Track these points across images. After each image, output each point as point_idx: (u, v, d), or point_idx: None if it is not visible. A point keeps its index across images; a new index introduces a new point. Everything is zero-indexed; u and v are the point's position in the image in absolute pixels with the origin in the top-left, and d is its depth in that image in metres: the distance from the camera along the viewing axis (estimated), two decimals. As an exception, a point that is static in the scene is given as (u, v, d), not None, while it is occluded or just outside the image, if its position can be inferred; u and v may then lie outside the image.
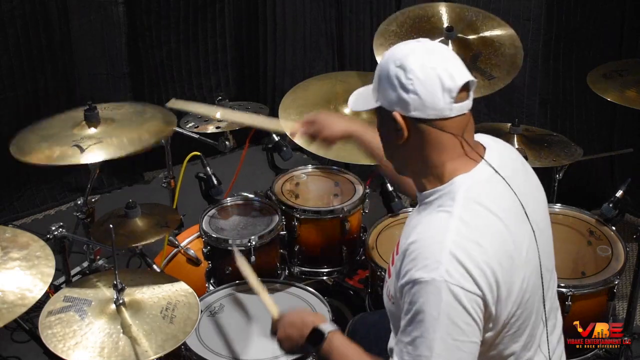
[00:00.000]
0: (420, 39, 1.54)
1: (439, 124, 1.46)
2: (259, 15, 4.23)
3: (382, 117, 1.53)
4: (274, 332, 1.76)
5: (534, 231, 1.51)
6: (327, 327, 1.64)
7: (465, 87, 1.47)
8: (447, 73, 1.44)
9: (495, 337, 1.48)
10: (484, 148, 1.56)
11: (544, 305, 1.56)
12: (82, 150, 2.18)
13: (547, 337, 1.59)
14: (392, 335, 1.66)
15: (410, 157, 1.53)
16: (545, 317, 1.57)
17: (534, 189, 1.62)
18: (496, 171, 1.50)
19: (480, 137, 1.60)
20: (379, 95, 1.51)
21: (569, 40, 3.20)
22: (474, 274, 1.39)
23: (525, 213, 1.50)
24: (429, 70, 1.44)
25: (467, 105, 1.48)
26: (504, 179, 1.50)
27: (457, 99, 1.45)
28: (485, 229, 1.43)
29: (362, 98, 1.60)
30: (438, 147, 1.49)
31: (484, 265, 1.40)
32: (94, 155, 2.18)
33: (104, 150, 2.20)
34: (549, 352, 1.60)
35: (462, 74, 1.46)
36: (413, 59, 1.45)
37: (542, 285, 1.54)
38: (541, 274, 1.53)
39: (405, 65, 1.45)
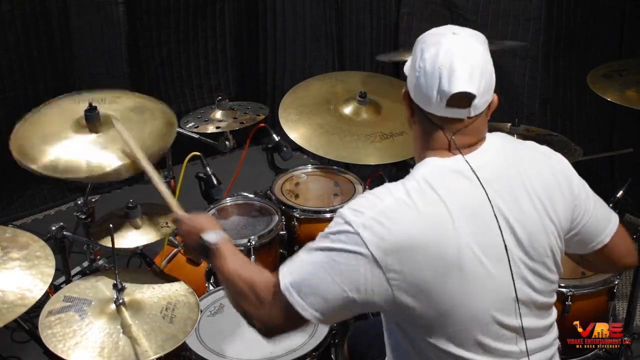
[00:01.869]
0: (461, 31, 1.51)
1: (431, 117, 1.49)
2: (259, 15, 4.23)
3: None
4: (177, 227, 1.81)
5: (504, 242, 1.47)
6: (213, 236, 1.67)
7: (465, 98, 1.45)
8: (448, 76, 1.44)
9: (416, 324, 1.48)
10: (483, 143, 1.55)
11: (521, 320, 1.52)
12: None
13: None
14: (385, 333, 1.66)
15: (413, 132, 1.58)
16: (524, 333, 1.53)
17: (532, 208, 1.53)
18: (470, 166, 1.48)
19: (494, 137, 1.58)
20: (407, 65, 1.57)
21: (569, 40, 3.20)
22: (385, 240, 1.40)
23: (497, 221, 1.47)
24: (435, 66, 1.45)
25: (464, 112, 1.47)
26: (475, 173, 1.48)
27: (450, 104, 1.45)
28: (424, 209, 1.43)
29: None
30: (426, 136, 1.52)
31: (400, 240, 1.40)
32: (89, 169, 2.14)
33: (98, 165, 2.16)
34: None
35: (462, 83, 1.44)
36: (432, 49, 1.47)
37: (517, 298, 1.50)
38: (514, 289, 1.49)
39: (424, 52, 1.48)
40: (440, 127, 1.50)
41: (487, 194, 1.47)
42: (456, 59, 1.45)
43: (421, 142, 1.55)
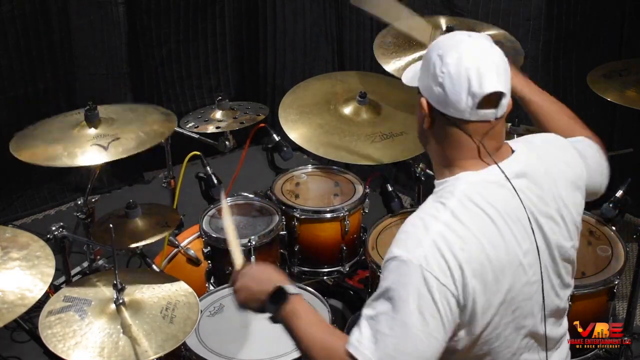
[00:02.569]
0: (473, 34, 1.50)
1: (459, 123, 1.46)
2: (259, 15, 4.23)
3: (419, 100, 1.53)
4: (233, 281, 1.61)
5: (537, 248, 1.48)
6: (292, 289, 1.53)
7: (495, 96, 1.44)
8: (478, 77, 1.42)
9: (468, 348, 1.46)
10: (512, 151, 1.54)
11: (545, 324, 1.53)
12: (105, 148, 2.20)
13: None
14: None
15: (432, 144, 1.54)
16: (546, 338, 1.55)
17: (562, 213, 1.54)
18: (505, 175, 1.47)
19: (516, 144, 1.57)
20: (420, 76, 1.52)
21: (569, 40, 3.20)
22: (451, 268, 1.36)
23: (532, 227, 1.47)
24: (462, 69, 1.42)
25: (492, 113, 1.45)
26: (510, 182, 1.47)
27: (481, 106, 1.43)
28: (474, 227, 1.41)
29: (412, 73, 1.59)
30: (454, 144, 1.49)
31: (465, 263, 1.37)
32: (117, 151, 2.21)
33: (124, 147, 2.23)
34: None
35: (492, 83, 1.42)
36: (454, 53, 1.44)
37: (543, 305, 1.51)
38: (542, 294, 1.50)
39: (444, 57, 1.44)
40: (467, 133, 1.46)
41: (522, 202, 1.47)
42: (482, 59, 1.44)
43: (447, 153, 1.50)
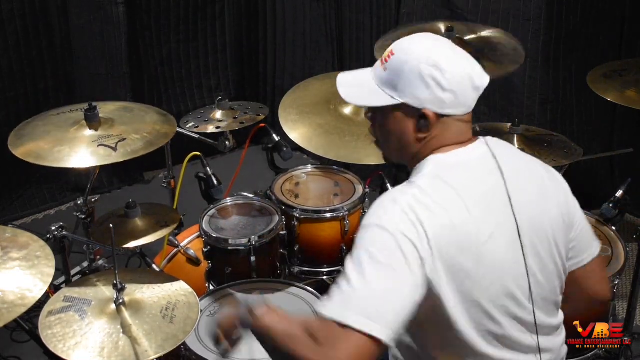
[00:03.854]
0: (425, 34, 1.58)
1: (464, 117, 1.55)
2: (259, 15, 4.24)
3: (401, 115, 1.55)
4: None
5: (519, 231, 1.50)
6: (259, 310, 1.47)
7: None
8: (475, 72, 1.53)
9: (431, 317, 1.46)
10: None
11: (535, 322, 1.54)
12: (115, 149, 2.22)
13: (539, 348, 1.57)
14: None
15: (414, 148, 1.58)
16: (537, 329, 1.56)
17: (542, 199, 1.58)
18: (491, 151, 1.55)
19: (495, 142, 1.61)
20: (402, 93, 1.52)
21: (569, 40, 3.20)
22: (419, 232, 1.40)
23: (512, 210, 1.51)
24: (461, 71, 1.51)
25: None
26: (495, 158, 1.54)
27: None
28: (440, 199, 1.45)
29: (362, 91, 1.61)
30: (448, 135, 1.54)
31: (430, 231, 1.40)
32: (125, 152, 2.23)
33: (132, 147, 2.25)
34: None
35: (484, 73, 1.55)
36: (446, 60, 1.51)
37: (532, 300, 1.52)
38: (529, 281, 1.51)
39: (440, 66, 1.49)
40: (466, 120, 1.56)
41: (505, 180, 1.52)
42: (462, 55, 1.55)
43: (447, 141, 1.55)
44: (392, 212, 1.44)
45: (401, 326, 1.37)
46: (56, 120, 2.39)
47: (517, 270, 1.51)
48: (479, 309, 1.47)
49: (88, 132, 2.30)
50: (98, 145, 2.24)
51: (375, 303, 1.35)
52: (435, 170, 1.51)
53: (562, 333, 1.69)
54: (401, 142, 1.59)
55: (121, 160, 2.22)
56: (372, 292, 1.36)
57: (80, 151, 2.23)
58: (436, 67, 1.49)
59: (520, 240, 1.51)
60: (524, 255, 1.51)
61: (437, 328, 1.49)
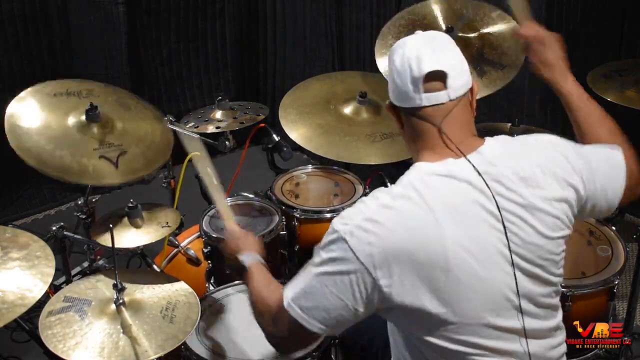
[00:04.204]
0: (419, 32, 1.59)
1: (416, 112, 1.52)
2: (259, 15, 4.23)
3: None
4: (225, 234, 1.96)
5: (509, 245, 1.47)
6: (250, 259, 1.79)
7: (438, 77, 1.49)
8: (416, 62, 1.49)
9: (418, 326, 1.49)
10: (482, 144, 1.55)
11: (523, 323, 1.52)
12: (117, 165, 2.22)
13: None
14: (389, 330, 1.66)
15: (406, 143, 1.62)
16: (526, 339, 1.53)
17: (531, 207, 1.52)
18: (474, 167, 1.49)
19: (494, 141, 1.57)
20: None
21: (569, 40, 3.18)
22: (372, 247, 1.42)
23: (502, 220, 1.46)
24: (404, 60, 1.51)
25: (442, 96, 1.50)
26: (480, 174, 1.48)
27: (427, 89, 1.49)
28: (408, 214, 1.44)
29: None
30: (418, 135, 1.55)
31: (386, 248, 1.42)
32: (126, 169, 2.23)
33: (133, 165, 2.26)
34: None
35: (430, 63, 1.48)
36: (399, 50, 1.53)
37: (519, 299, 1.49)
38: (517, 287, 1.48)
39: (392, 55, 1.54)
40: (424, 118, 1.52)
41: (490, 189, 1.47)
42: (422, 47, 1.51)
43: (414, 145, 1.57)
44: (356, 219, 1.46)
45: (338, 325, 1.50)
46: (53, 106, 2.33)
47: (498, 286, 1.48)
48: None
49: (88, 133, 2.28)
50: (99, 157, 2.23)
51: (312, 302, 1.48)
52: (414, 179, 1.50)
53: (562, 333, 1.66)
54: (402, 135, 1.65)
55: (120, 181, 2.23)
56: (313, 290, 1.47)
57: (81, 163, 2.19)
58: (390, 56, 1.54)
59: (513, 265, 1.48)
60: (513, 269, 1.48)
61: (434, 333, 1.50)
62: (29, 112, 2.28)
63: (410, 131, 1.57)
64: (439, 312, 1.45)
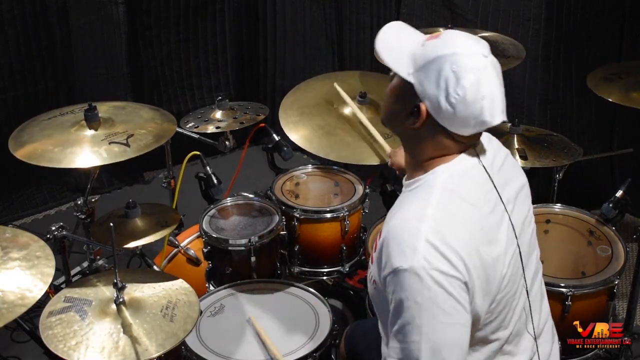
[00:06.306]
0: (483, 42, 1.50)
1: (456, 136, 1.51)
2: (259, 15, 4.23)
3: (404, 91, 1.51)
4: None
5: (511, 220, 1.55)
6: None
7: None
8: (491, 108, 1.45)
9: (479, 322, 1.51)
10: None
11: (527, 289, 1.60)
12: (128, 145, 2.23)
13: (532, 322, 1.64)
14: (382, 340, 1.66)
15: (409, 140, 1.59)
16: (530, 304, 1.61)
17: (513, 181, 1.64)
18: (483, 164, 1.56)
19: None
20: (418, 76, 1.48)
21: (569, 40, 3.20)
22: (450, 258, 1.41)
23: (502, 203, 1.55)
24: (478, 97, 1.43)
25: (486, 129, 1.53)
26: (485, 169, 1.55)
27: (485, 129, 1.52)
28: (461, 217, 1.46)
29: (396, 53, 1.54)
30: (438, 147, 1.54)
31: (461, 250, 1.42)
32: (138, 147, 2.23)
33: (142, 142, 2.25)
34: (534, 334, 1.64)
35: (501, 114, 1.47)
36: (471, 76, 1.43)
37: (523, 272, 1.58)
38: (521, 261, 1.57)
39: (461, 77, 1.43)
40: (459, 141, 1.52)
41: (494, 185, 1.55)
42: (496, 90, 1.47)
43: (427, 152, 1.55)
44: (420, 248, 1.41)
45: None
46: (51, 124, 2.37)
47: (516, 265, 1.57)
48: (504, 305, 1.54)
49: (90, 132, 2.28)
50: (110, 143, 2.23)
51: (440, 355, 1.41)
52: (446, 184, 1.50)
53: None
54: (392, 112, 1.59)
55: (136, 155, 2.22)
56: (434, 345, 1.41)
57: (93, 150, 2.21)
58: (456, 75, 1.42)
59: (515, 235, 1.56)
60: (520, 253, 1.57)
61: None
62: (30, 135, 2.32)
63: (428, 139, 1.53)
64: (497, 301, 1.52)
